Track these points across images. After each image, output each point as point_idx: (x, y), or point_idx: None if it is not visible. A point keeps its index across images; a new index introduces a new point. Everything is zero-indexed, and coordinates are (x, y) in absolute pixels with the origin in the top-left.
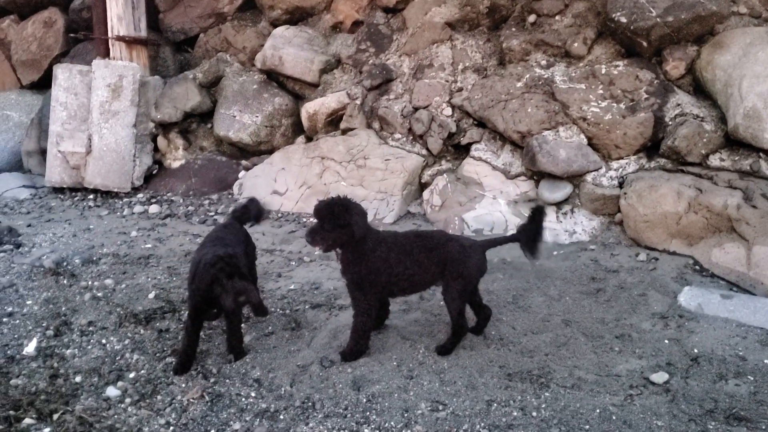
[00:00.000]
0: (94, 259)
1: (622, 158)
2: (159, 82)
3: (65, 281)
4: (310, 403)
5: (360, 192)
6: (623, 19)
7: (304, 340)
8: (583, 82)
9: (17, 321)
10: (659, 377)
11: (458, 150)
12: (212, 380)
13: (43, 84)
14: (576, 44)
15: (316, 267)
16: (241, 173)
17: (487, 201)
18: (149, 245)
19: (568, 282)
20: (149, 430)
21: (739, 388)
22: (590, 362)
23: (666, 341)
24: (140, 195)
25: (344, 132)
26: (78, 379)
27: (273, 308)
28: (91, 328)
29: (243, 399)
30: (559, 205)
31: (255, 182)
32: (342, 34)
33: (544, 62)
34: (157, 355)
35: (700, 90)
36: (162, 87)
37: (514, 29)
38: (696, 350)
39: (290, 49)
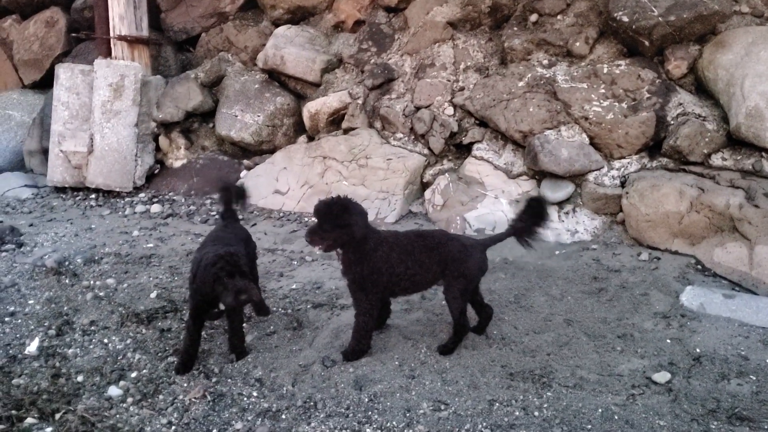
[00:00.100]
0: (96, 258)
1: (624, 158)
2: (161, 82)
3: (67, 281)
4: (311, 403)
5: (362, 191)
6: (625, 19)
7: (305, 339)
8: (584, 82)
9: (19, 320)
10: (661, 377)
11: (460, 149)
12: (214, 380)
13: (44, 84)
14: (578, 43)
15: (318, 266)
16: (243, 173)
17: (489, 200)
18: (151, 245)
19: (570, 281)
20: (151, 429)
21: (741, 388)
22: (592, 362)
23: (668, 341)
24: (142, 194)
25: (346, 131)
26: (80, 378)
27: (275, 308)
28: (93, 328)
29: (245, 399)
30: (561, 204)
31: (257, 182)
32: (344, 33)
33: (545, 62)
34: (159, 354)
35: (702, 89)
36: (164, 86)
37: (515, 28)
38: (698, 350)
39: (292, 48)
